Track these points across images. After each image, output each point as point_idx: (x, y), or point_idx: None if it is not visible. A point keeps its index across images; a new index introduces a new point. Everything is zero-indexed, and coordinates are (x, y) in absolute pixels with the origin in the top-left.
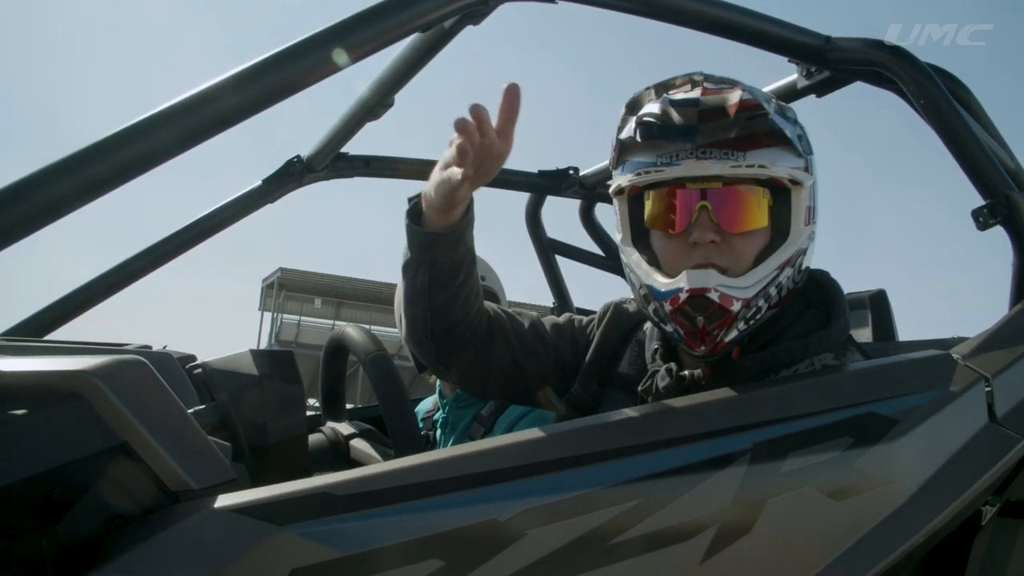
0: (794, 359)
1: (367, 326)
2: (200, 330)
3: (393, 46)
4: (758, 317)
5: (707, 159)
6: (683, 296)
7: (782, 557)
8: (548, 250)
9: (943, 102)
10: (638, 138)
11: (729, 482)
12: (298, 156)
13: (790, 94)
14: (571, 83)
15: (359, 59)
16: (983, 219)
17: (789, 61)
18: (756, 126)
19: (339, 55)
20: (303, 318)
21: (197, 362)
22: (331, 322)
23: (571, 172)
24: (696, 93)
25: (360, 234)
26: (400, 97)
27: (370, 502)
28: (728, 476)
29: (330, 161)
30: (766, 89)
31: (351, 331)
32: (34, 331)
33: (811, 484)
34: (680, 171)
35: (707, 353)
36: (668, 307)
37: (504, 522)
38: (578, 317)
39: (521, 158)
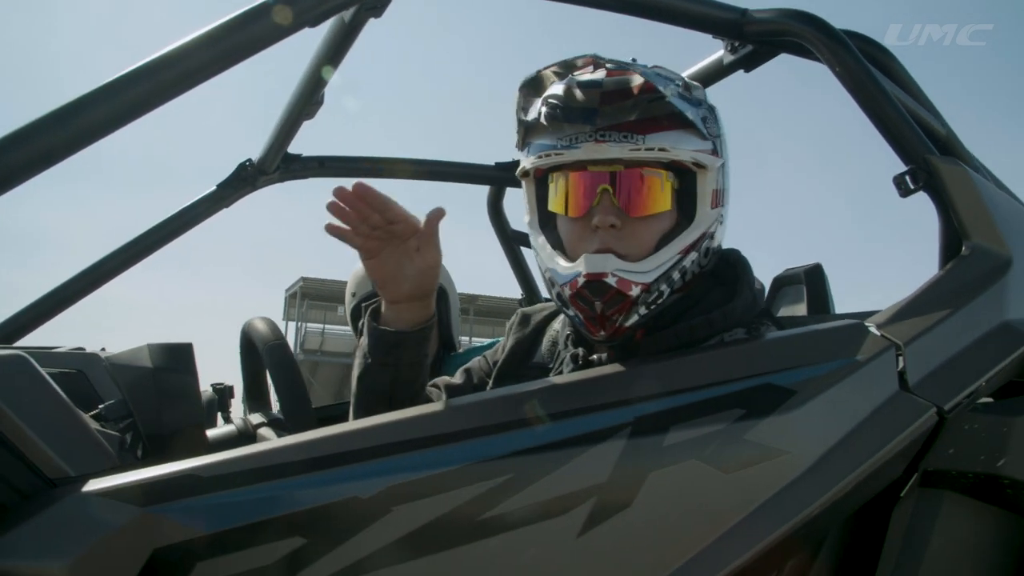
0: (697, 337)
1: None
2: (226, 341)
3: (310, 45)
4: (659, 302)
5: (606, 142)
6: (581, 281)
7: (667, 530)
8: (512, 242)
9: (858, 68)
10: (542, 119)
11: (606, 456)
12: (249, 160)
13: (719, 71)
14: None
15: (243, 59)
16: (904, 186)
17: (713, 37)
18: (657, 108)
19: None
20: (327, 326)
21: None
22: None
23: None
24: (600, 75)
25: None
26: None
27: (234, 482)
28: (605, 450)
29: (281, 162)
30: (693, 68)
31: (255, 322)
32: (4, 338)
33: (696, 457)
34: (579, 154)
35: (607, 338)
36: (568, 291)
37: (366, 500)
38: (493, 348)
39: (482, 151)
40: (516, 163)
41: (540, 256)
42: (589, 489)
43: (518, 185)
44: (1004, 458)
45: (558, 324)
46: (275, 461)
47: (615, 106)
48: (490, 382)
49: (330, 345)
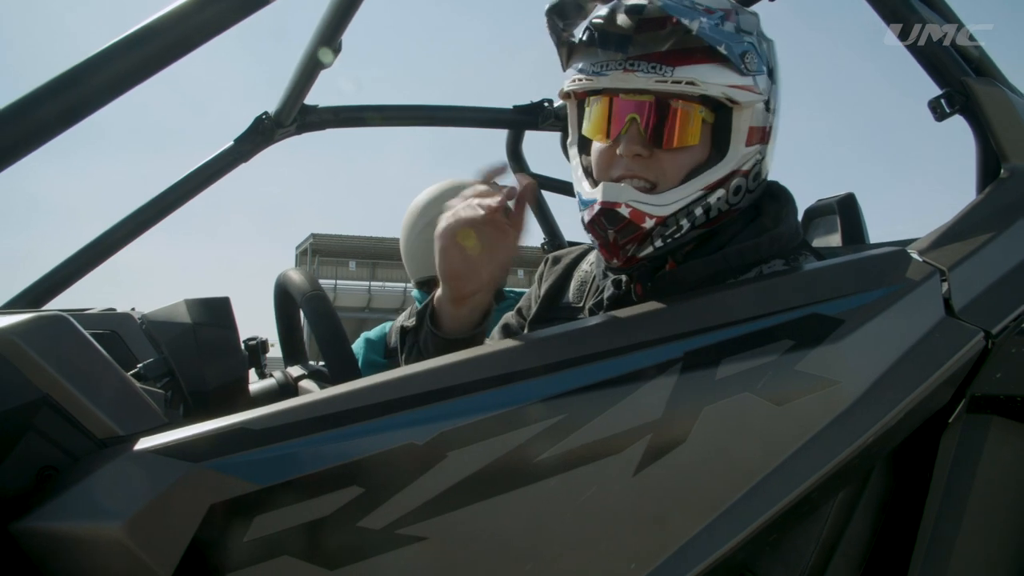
0: (745, 261)
1: (403, 284)
2: (239, 301)
3: None
4: (677, 236)
5: (634, 71)
6: (596, 208)
7: (722, 464)
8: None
9: None
10: (583, 41)
11: (659, 392)
12: (266, 112)
13: None
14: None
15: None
16: (940, 110)
17: None
18: (692, 40)
19: None
20: (339, 282)
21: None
22: (367, 283)
23: (546, 104)
24: None
25: (388, 192)
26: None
27: (287, 434)
28: (658, 386)
29: (297, 115)
30: None
31: (291, 273)
32: (31, 302)
33: (749, 390)
34: (606, 82)
35: (621, 266)
36: (586, 216)
37: (422, 446)
38: (524, 297)
39: (497, 96)
40: (535, 105)
41: (574, 177)
42: (644, 426)
43: (536, 128)
44: None
45: (587, 264)
46: (327, 411)
47: (649, 35)
48: (526, 330)
49: (343, 300)
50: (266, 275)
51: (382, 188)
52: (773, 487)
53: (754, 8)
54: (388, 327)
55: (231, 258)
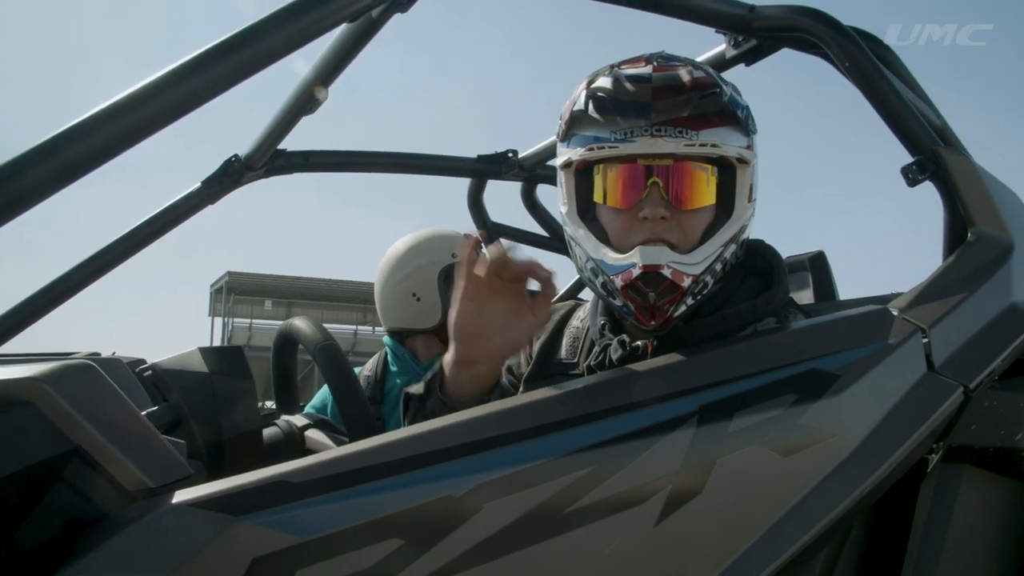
0: (743, 322)
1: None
2: (152, 338)
3: (322, 38)
4: (704, 292)
5: (662, 137)
6: (636, 272)
7: (735, 514)
8: (493, 234)
9: (867, 64)
10: (591, 111)
11: (678, 445)
12: (236, 155)
13: (719, 65)
14: (509, 67)
15: (288, 53)
16: (912, 175)
17: (716, 31)
18: (708, 105)
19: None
20: (254, 321)
21: (146, 365)
22: (282, 323)
23: (510, 155)
24: (648, 70)
25: (303, 232)
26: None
27: (327, 487)
28: (677, 439)
29: (268, 159)
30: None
31: (299, 323)
32: None
33: (759, 442)
34: (636, 148)
35: (657, 328)
36: (619, 282)
37: (459, 498)
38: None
39: (462, 144)
40: (499, 156)
41: (583, 246)
42: (664, 478)
43: (500, 178)
44: (1021, 432)
45: (577, 321)
46: (365, 463)
47: (668, 101)
48: (521, 388)
49: (258, 340)
50: (179, 312)
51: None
52: (778, 536)
53: (730, 71)
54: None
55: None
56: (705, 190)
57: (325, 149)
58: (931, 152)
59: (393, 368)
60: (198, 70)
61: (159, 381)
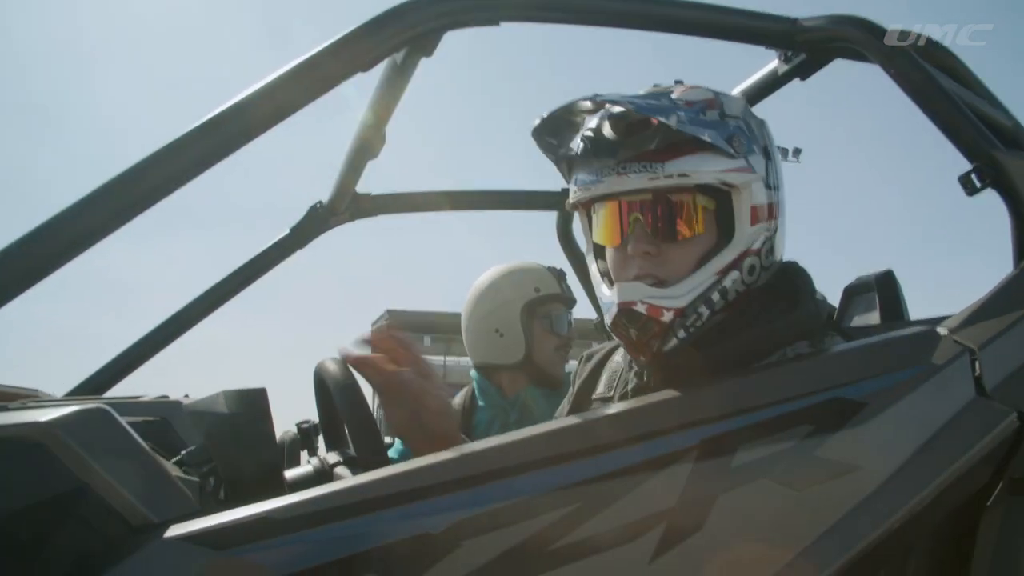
0: (764, 347)
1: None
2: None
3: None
4: (699, 324)
5: (626, 174)
6: (615, 310)
7: (741, 551)
8: (584, 266)
9: (914, 69)
10: (579, 153)
11: (675, 480)
12: (319, 201)
13: (775, 81)
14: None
15: (306, 104)
16: (970, 185)
17: (766, 48)
18: (676, 135)
19: None
20: None
21: None
22: (443, 358)
23: None
24: (631, 107)
25: (457, 268)
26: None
27: (307, 523)
28: (674, 474)
29: (349, 202)
30: (749, 81)
31: (326, 363)
32: (93, 389)
33: (767, 476)
34: (603, 188)
35: (648, 363)
36: (608, 319)
37: (436, 535)
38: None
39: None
40: None
41: (593, 284)
42: (659, 514)
43: None
44: None
45: (618, 356)
46: (347, 501)
47: (636, 138)
48: None
49: None
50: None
51: (456, 262)
52: (795, 574)
53: (787, 86)
54: None
55: (308, 336)
56: (690, 220)
57: (408, 191)
58: (988, 157)
59: (480, 403)
60: (212, 129)
61: (192, 420)
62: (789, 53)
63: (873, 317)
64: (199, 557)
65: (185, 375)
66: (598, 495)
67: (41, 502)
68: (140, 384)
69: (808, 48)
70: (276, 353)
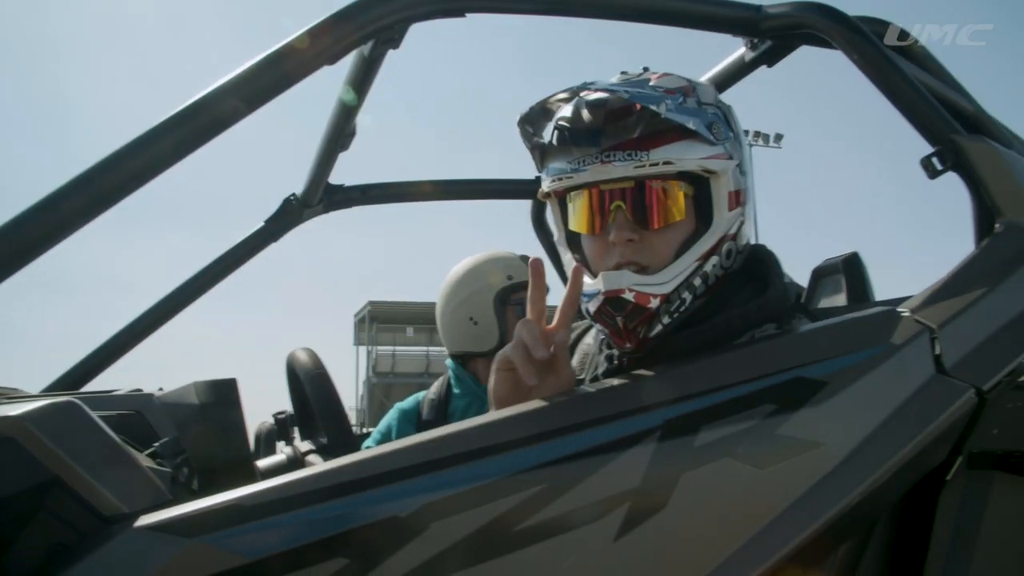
0: (736, 329)
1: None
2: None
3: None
4: (682, 309)
5: (611, 162)
6: (600, 298)
7: (704, 529)
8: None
9: (875, 54)
10: (555, 142)
11: (638, 460)
12: (293, 194)
13: (742, 68)
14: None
15: (266, 101)
16: (931, 168)
17: (732, 36)
18: (659, 123)
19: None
20: (397, 348)
21: None
22: (425, 349)
23: None
24: (606, 94)
25: (441, 257)
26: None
27: (277, 509)
28: (635, 455)
29: (323, 194)
30: (716, 69)
31: (297, 353)
32: (71, 384)
33: (729, 455)
34: (587, 176)
35: (634, 349)
36: (592, 308)
37: (404, 518)
38: None
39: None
40: None
41: (567, 272)
42: (623, 494)
43: None
44: None
45: (590, 338)
46: (314, 487)
47: (619, 124)
48: None
49: (401, 366)
50: (324, 344)
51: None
52: (756, 550)
53: (754, 73)
54: (421, 397)
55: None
56: (672, 207)
57: (381, 181)
58: (949, 140)
59: (456, 391)
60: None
61: (164, 412)
62: (755, 40)
63: (840, 299)
64: (170, 545)
65: (170, 369)
66: (563, 476)
67: (12, 495)
68: (120, 379)
69: (773, 35)
70: (260, 346)
